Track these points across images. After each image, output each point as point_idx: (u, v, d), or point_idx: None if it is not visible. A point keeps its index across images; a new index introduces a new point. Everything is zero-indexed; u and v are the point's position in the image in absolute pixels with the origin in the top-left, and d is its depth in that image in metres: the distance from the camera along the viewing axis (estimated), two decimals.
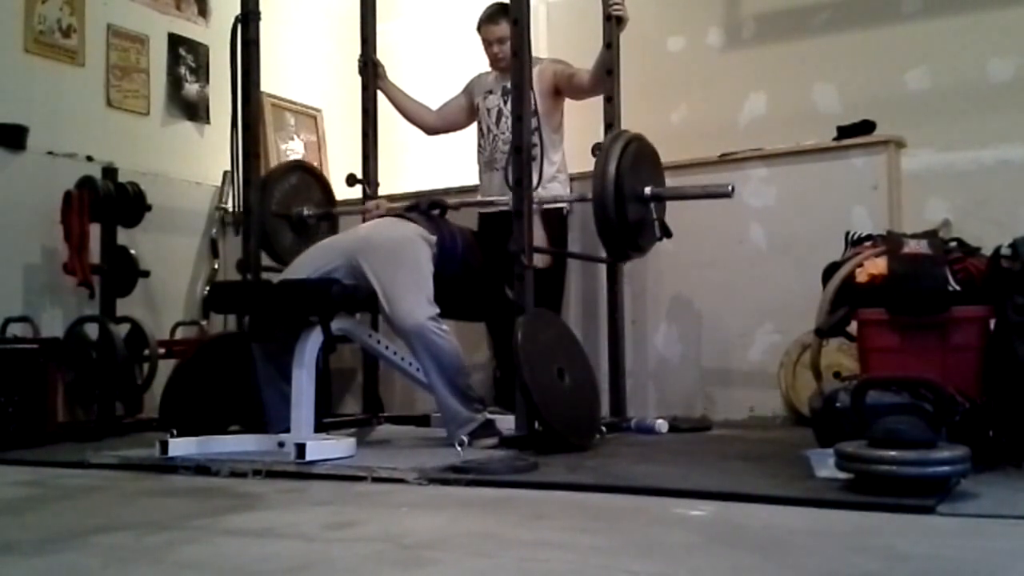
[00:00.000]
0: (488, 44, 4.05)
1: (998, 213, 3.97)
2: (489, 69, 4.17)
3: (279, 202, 3.98)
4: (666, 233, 3.44)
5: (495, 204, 3.85)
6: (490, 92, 4.10)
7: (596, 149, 3.54)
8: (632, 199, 3.28)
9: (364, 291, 3.21)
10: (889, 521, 1.89)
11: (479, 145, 4.15)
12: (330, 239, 3.63)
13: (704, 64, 4.96)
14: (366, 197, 4.21)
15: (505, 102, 4.01)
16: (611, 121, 3.81)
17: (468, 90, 4.22)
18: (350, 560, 1.69)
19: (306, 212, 4.05)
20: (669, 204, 3.71)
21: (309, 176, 4.20)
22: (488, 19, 4.04)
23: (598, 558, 1.64)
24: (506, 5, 3.93)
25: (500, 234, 3.57)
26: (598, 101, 3.87)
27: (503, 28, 3.92)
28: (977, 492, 2.10)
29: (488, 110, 4.09)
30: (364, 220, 3.99)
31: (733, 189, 3.32)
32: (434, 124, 4.30)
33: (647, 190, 3.36)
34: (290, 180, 4.07)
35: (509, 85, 3.96)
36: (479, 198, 4.08)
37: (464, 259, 3.45)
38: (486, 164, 4.08)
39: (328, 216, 4.15)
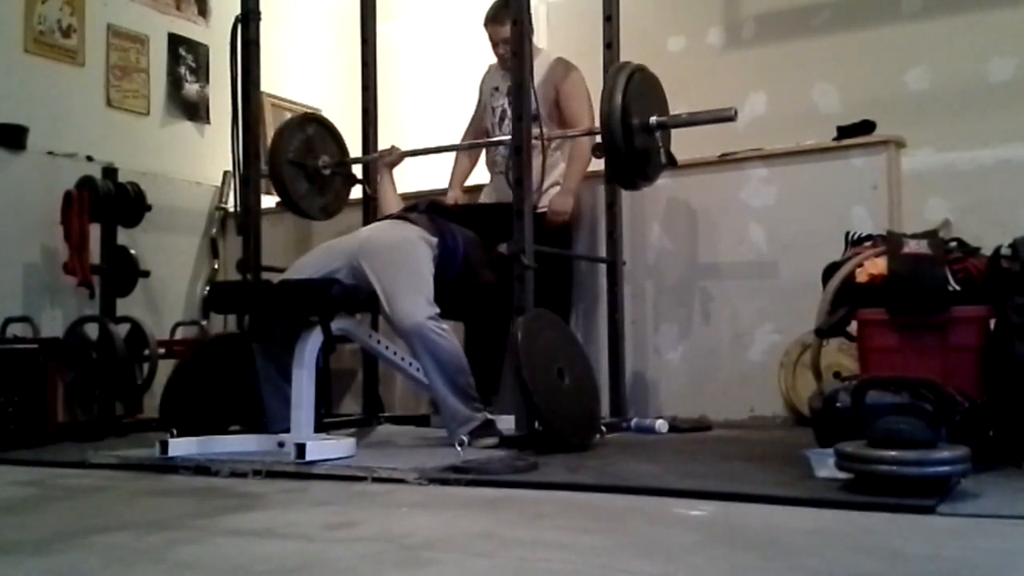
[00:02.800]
0: (494, 44, 3.98)
1: (998, 213, 3.97)
2: (496, 63, 4.10)
3: (295, 151, 4.03)
4: (671, 161, 3.44)
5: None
6: (496, 89, 4.06)
7: (596, 150, 3.54)
8: (638, 128, 3.29)
9: (364, 291, 3.21)
10: (889, 521, 1.89)
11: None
12: (332, 241, 3.63)
13: (704, 64, 4.96)
14: (366, 197, 4.22)
15: (510, 102, 3.99)
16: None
17: (480, 89, 4.17)
18: (350, 560, 1.69)
19: (321, 163, 4.08)
20: (672, 202, 3.71)
21: (323, 128, 4.21)
22: (493, 19, 3.95)
23: (598, 558, 1.64)
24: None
25: (498, 225, 3.56)
26: (596, 101, 3.85)
27: (508, 28, 3.90)
28: (977, 492, 2.09)
29: (493, 109, 4.06)
30: (379, 165, 4.01)
31: (736, 113, 3.34)
32: (477, 155, 4.21)
33: (652, 119, 3.37)
34: (305, 131, 4.11)
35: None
36: (482, 198, 4.08)
37: (466, 260, 3.45)
38: (490, 164, 4.07)
39: (342, 166, 4.17)
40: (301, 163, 4.03)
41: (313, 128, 4.14)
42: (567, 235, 3.97)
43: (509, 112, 3.96)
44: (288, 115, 5.47)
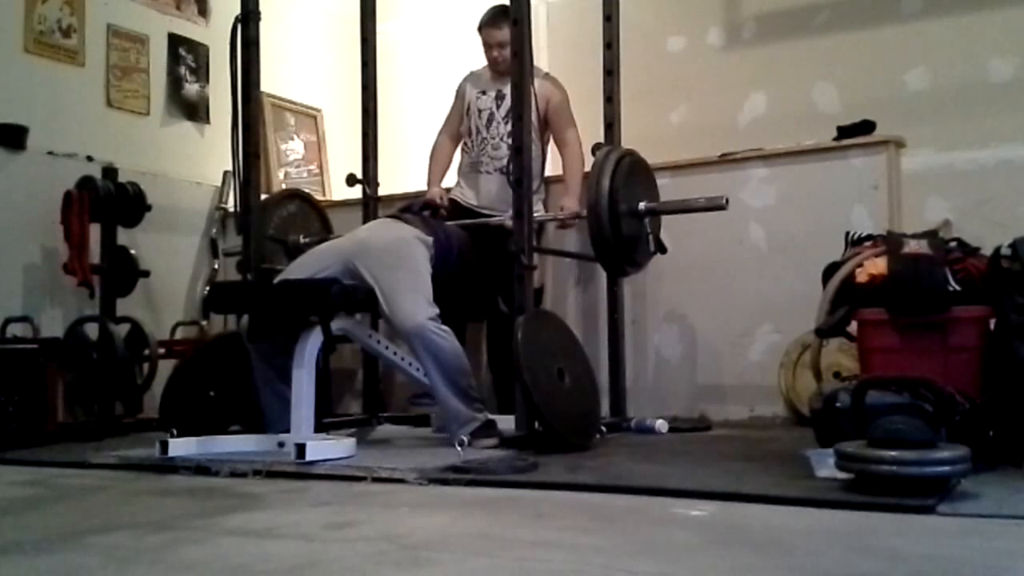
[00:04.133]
0: (488, 47, 4.01)
1: (998, 213, 3.97)
2: (478, 70, 4.15)
3: (276, 227, 4.02)
4: (660, 248, 3.45)
5: (483, 216, 3.87)
6: (483, 92, 4.08)
7: (596, 149, 3.55)
8: (626, 215, 3.30)
9: (363, 291, 3.21)
10: (889, 521, 1.89)
11: (464, 145, 4.13)
12: (327, 243, 3.63)
13: (704, 64, 4.96)
14: (366, 197, 4.22)
15: (498, 105, 4.01)
16: (611, 121, 3.81)
17: (461, 92, 4.17)
18: (350, 560, 1.69)
19: (302, 240, 4.06)
20: None
21: (307, 205, 4.24)
22: (490, 22, 3.99)
23: (598, 558, 1.64)
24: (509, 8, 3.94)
25: (482, 244, 3.59)
26: (597, 101, 3.87)
27: (505, 33, 3.90)
28: (977, 492, 2.10)
29: (480, 111, 4.06)
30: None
31: (727, 201, 3.34)
32: (455, 148, 4.22)
33: (641, 205, 3.37)
34: (288, 208, 4.13)
35: (504, 89, 3.98)
36: (456, 198, 4.06)
37: (460, 259, 3.46)
38: (471, 166, 4.07)
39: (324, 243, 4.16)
40: (282, 240, 4.02)
41: (295, 204, 4.16)
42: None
43: (497, 114, 3.98)
44: (288, 115, 5.49)
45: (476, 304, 3.75)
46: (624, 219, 3.27)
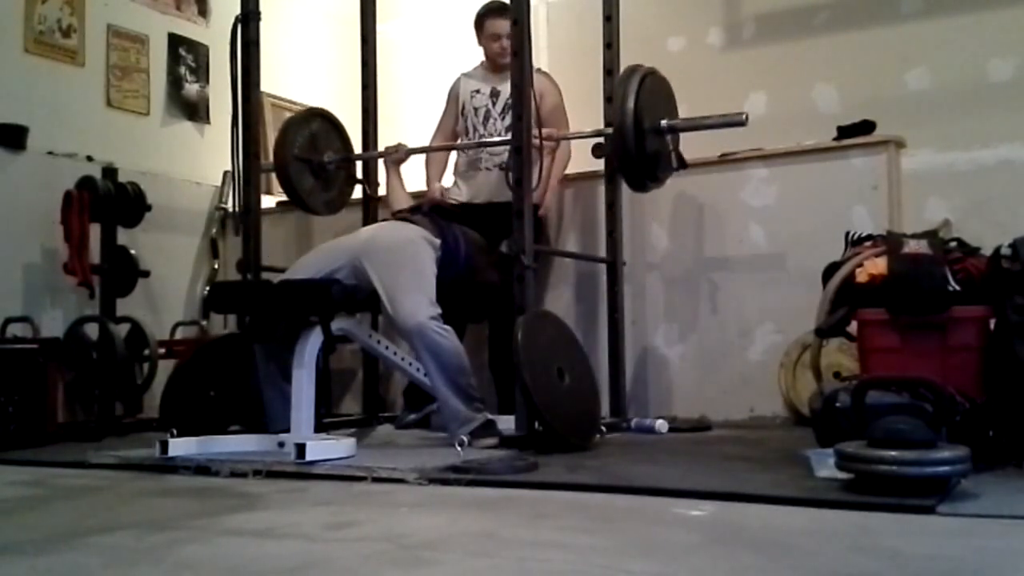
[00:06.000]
0: (495, 38, 3.96)
1: (998, 213, 3.97)
2: (470, 71, 4.15)
3: (300, 147, 4.03)
4: (681, 164, 3.47)
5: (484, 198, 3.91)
6: (477, 91, 4.07)
7: (596, 149, 3.55)
8: (650, 131, 3.31)
9: (365, 291, 3.21)
10: (889, 521, 1.89)
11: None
12: (333, 241, 3.63)
13: (704, 64, 4.96)
14: (366, 197, 4.22)
15: (493, 103, 4.01)
16: (611, 121, 3.81)
17: (454, 93, 4.16)
18: (350, 560, 1.69)
19: (326, 158, 4.08)
20: (672, 202, 3.73)
21: (329, 124, 4.21)
22: (495, 12, 3.95)
23: (598, 558, 1.64)
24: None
25: (500, 224, 3.56)
26: (596, 100, 3.86)
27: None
28: (977, 492, 2.09)
29: (475, 109, 4.06)
30: (386, 163, 4.03)
31: (747, 117, 3.37)
32: (449, 153, 4.23)
33: (664, 122, 3.39)
34: (311, 126, 4.11)
35: (498, 86, 3.98)
36: (460, 197, 4.06)
37: (468, 261, 3.45)
38: (469, 164, 4.06)
39: (347, 162, 4.18)
40: (306, 159, 4.04)
41: (318, 124, 4.15)
42: (543, 234, 3.97)
43: (493, 111, 3.99)
44: (288, 115, 5.48)
45: (480, 305, 3.74)
46: (648, 135, 3.29)
